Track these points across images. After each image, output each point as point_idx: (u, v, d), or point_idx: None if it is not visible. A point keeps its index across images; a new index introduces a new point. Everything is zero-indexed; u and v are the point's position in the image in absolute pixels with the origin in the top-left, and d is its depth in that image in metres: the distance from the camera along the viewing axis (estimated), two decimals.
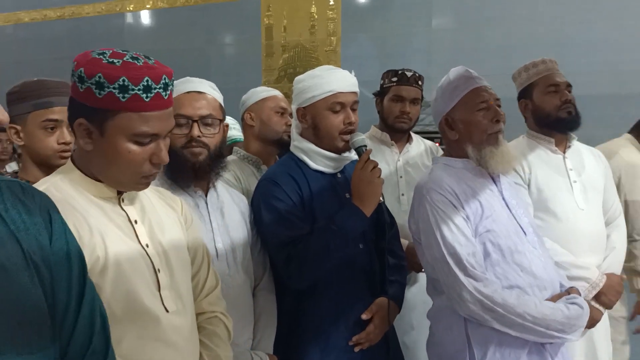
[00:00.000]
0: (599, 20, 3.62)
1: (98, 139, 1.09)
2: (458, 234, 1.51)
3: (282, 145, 2.23)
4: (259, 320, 1.64)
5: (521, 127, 2.25)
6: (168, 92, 1.11)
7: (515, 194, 1.74)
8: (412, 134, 2.49)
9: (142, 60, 1.09)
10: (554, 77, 2.14)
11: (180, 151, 1.53)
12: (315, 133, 1.74)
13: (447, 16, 4.11)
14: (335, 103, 1.70)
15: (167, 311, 1.15)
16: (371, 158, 1.68)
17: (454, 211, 1.54)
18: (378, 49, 4.27)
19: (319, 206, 1.69)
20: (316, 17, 4.38)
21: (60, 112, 1.57)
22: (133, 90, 1.05)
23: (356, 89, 1.75)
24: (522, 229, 1.60)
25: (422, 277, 2.19)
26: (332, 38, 4.35)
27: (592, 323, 1.96)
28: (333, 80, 1.71)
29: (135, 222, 1.18)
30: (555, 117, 2.11)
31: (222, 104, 1.65)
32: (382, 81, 2.46)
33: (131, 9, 4.95)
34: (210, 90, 1.62)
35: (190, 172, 1.54)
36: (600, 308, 2.02)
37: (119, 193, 1.18)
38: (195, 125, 1.54)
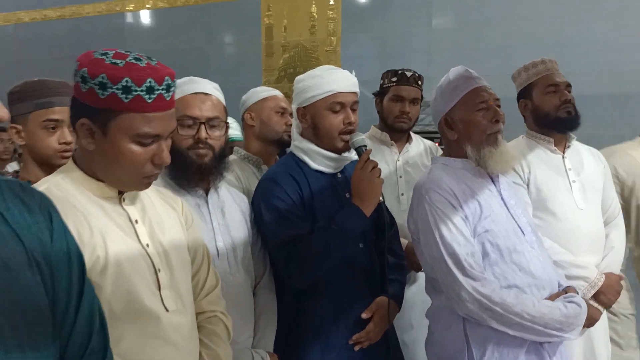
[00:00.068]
0: (599, 20, 3.62)
1: (100, 139, 1.10)
2: (457, 233, 1.51)
3: (282, 145, 2.24)
4: (260, 318, 1.64)
5: (521, 127, 2.26)
6: (170, 94, 1.11)
7: (513, 194, 1.74)
8: (412, 134, 2.50)
9: (145, 61, 1.09)
10: (554, 77, 2.15)
11: (186, 152, 1.53)
12: (315, 133, 1.74)
13: (447, 16, 4.11)
14: (335, 103, 1.70)
15: (167, 310, 1.16)
16: (371, 158, 1.68)
17: (453, 211, 1.54)
18: (378, 49, 4.27)
19: (319, 206, 1.69)
20: (316, 17, 4.37)
21: (61, 112, 1.58)
22: (136, 91, 1.05)
23: (356, 89, 1.76)
24: (521, 229, 1.61)
25: (421, 276, 2.19)
26: (332, 38, 4.35)
27: (590, 322, 1.96)
28: (333, 80, 1.71)
29: (136, 221, 1.18)
30: (554, 117, 2.12)
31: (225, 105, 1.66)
32: (381, 81, 2.47)
33: (131, 8, 4.95)
34: (215, 91, 1.62)
35: (195, 173, 1.54)
36: (599, 307, 2.02)
37: (120, 193, 1.18)
38: (203, 127, 1.54)
